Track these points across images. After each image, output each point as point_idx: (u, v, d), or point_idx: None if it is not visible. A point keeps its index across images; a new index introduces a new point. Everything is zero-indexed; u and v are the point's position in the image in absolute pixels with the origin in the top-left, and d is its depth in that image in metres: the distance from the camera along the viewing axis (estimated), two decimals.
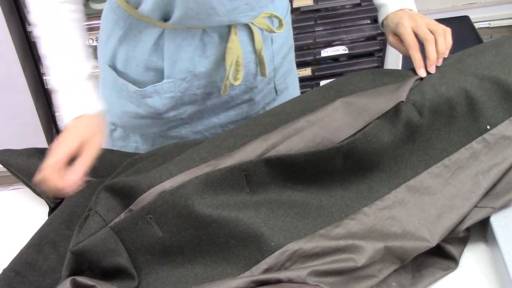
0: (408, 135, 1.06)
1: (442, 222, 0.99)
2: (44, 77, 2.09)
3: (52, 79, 1.03)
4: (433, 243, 0.97)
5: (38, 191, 1.14)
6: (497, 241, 0.97)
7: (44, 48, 1.03)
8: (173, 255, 0.94)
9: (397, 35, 1.16)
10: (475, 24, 2.50)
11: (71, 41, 1.03)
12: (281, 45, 1.27)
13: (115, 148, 1.31)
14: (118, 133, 1.30)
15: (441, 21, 1.14)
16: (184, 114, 1.22)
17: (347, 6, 2.29)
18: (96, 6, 2.03)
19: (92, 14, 2.02)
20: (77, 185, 0.95)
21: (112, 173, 1.05)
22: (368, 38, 2.37)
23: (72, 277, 0.87)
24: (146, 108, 1.20)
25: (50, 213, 1.12)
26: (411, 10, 1.17)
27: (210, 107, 1.23)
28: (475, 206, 1.02)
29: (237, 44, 1.13)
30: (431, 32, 1.11)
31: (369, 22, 2.34)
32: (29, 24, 1.99)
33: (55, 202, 1.11)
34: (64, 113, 1.01)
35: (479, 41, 2.36)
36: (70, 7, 1.05)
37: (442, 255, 1.00)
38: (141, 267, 0.93)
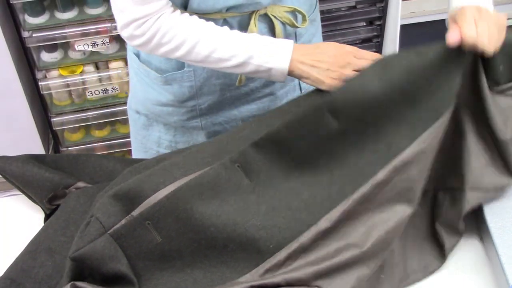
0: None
1: None
2: (39, 83, 2.08)
3: (237, 55, 1.03)
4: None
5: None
6: (494, 242, 0.97)
7: (203, 47, 1.03)
8: (172, 260, 0.94)
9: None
10: None
11: (206, 25, 1.04)
12: (307, 42, 1.24)
13: (138, 137, 1.33)
14: (142, 121, 1.31)
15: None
16: (203, 104, 1.23)
17: (343, 9, 2.29)
18: (91, 11, 2.02)
19: (87, 20, 2.01)
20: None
21: (108, 179, 1.04)
22: (364, 41, 2.37)
23: (72, 282, 0.87)
24: (167, 96, 1.22)
25: (45, 219, 1.12)
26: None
27: (229, 99, 1.23)
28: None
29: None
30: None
31: (364, 24, 2.34)
32: (24, 30, 1.98)
33: (51, 208, 1.11)
34: (279, 48, 1.03)
35: None
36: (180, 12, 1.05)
37: (435, 243, 1.00)
38: (141, 273, 0.93)
